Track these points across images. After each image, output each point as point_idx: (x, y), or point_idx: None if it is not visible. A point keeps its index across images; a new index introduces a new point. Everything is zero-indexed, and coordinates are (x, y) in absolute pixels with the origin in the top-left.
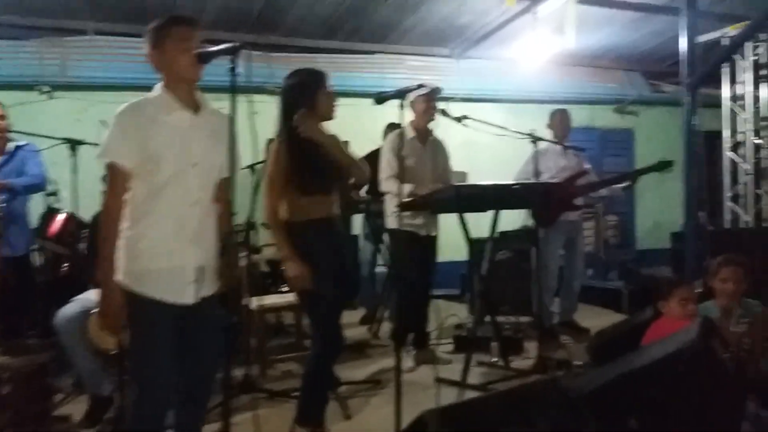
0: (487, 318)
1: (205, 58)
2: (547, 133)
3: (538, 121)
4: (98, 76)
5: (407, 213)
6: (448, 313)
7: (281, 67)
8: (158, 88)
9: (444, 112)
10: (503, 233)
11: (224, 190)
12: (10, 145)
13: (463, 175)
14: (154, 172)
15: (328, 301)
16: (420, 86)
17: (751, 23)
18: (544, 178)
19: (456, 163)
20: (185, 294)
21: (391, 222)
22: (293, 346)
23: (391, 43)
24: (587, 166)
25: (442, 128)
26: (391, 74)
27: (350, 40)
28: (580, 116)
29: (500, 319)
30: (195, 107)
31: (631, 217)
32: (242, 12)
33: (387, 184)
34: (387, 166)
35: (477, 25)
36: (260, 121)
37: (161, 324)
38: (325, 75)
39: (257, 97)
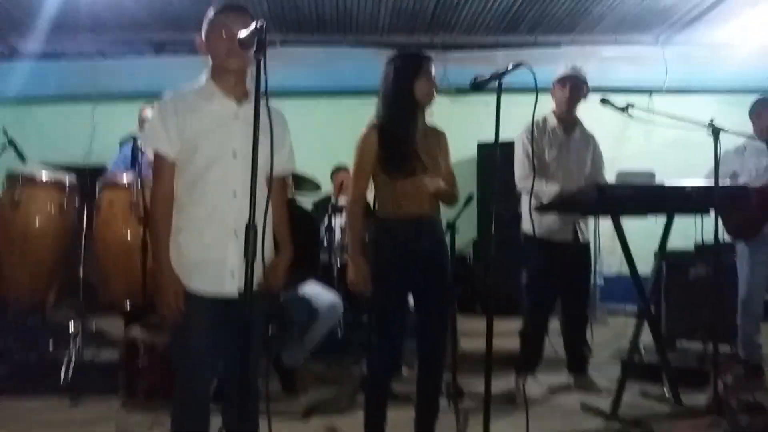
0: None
1: (242, 44)
2: (749, 127)
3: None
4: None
5: (544, 215)
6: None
7: (456, 67)
8: (204, 77)
9: (605, 101)
10: (700, 246)
11: (279, 187)
12: None
13: (649, 175)
14: (192, 160)
15: (386, 312)
16: (518, 66)
17: None
18: (742, 180)
19: (662, 164)
20: (225, 285)
21: (525, 226)
22: None
23: (581, 33)
24: None
25: (640, 126)
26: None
27: (532, 33)
28: None
29: (687, 346)
30: (240, 97)
31: None
32: (416, 13)
33: (522, 181)
34: (522, 162)
35: (685, 6)
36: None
37: (199, 318)
38: (424, 60)
39: None
